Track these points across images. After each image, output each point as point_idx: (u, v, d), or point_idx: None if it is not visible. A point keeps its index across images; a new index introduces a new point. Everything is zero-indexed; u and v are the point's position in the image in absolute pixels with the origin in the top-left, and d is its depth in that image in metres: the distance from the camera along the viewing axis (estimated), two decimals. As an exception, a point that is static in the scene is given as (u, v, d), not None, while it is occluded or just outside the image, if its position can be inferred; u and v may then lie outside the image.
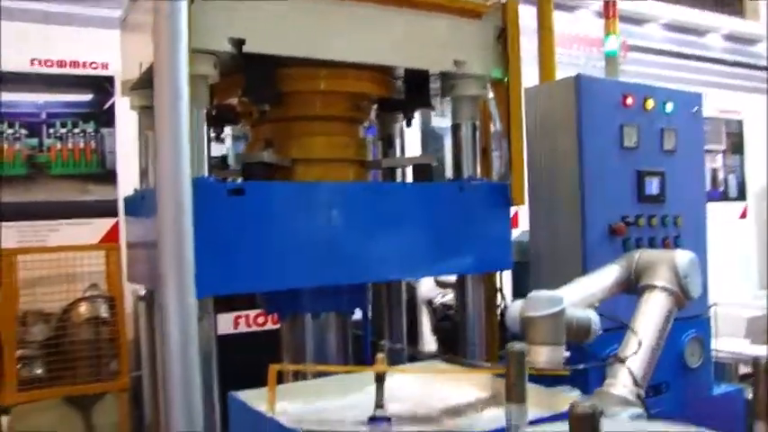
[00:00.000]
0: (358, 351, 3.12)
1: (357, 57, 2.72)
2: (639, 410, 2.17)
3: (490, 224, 2.97)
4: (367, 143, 3.17)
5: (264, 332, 4.49)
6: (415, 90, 3.12)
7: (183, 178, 1.93)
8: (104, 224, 5.08)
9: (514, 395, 1.58)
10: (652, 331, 2.36)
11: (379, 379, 2.15)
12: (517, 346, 1.61)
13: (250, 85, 2.66)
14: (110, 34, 4.61)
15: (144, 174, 3.31)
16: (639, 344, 2.30)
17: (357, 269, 2.68)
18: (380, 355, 2.15)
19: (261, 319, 4.54)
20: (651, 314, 2.41)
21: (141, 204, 2.90)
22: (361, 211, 2.68)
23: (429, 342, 4.64)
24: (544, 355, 2.14)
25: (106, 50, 4.89)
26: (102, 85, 5.15)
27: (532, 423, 1.66)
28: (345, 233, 2.63)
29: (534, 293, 2.25)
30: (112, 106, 5.15)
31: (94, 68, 5.13)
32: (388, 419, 2.12)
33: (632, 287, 2.57)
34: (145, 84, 2.85)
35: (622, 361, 2.26)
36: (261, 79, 2.66)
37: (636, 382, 2.22)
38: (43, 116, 4.99)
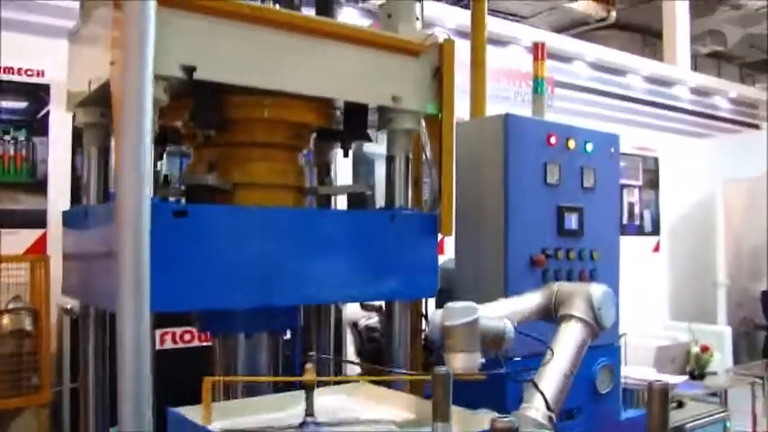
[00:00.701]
0: (287, 371, 3.21)
1: (302, 89, 2.83)
2: (550, 432, 2.34)
3: (418, 253, 3.10)
4: (305, 170, 3.28)
5: (189, 349, 4.55)
6: (353, 122, 3.24)
7: (143, 200, 2.02)
8: (30, 235, 4.99)
9: (440, 414, 1.73)
10: (566, 358, 2.53)
11: (308, 388, 2.27)
12: (442, 369, 1.75)
13: (197, 111, 2.75)
14: (48, 42, 4.63)
15: (85, 188, 3.31)
16: (554, 370, 2.48)
17: (293, 291, 2.78)
18: (309, 365, 2.27)
19: (187, 336, 4.58)
20: (567, 342, 2.58)
21: (84, 219, 2.94)
22: (298, 236, 2.78)
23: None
24: (460, 362, 2.30)
25: (43, 58, 4.89)
26: (37, 94, 5.09)
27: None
28: (283, 257, 2.73)
29: (451, 304, 2.40)
30: (46, 115, 5.11)
31: (30, 76, 5.06)
32: (318, 424, 2.23)
33: (552, 316, 2.75)
34: (93, 101, 2.91)
35: (537, 386, 2.43)
36: (208, 106, 2.74)
37: (548, 406, 2.39)
38: (-27, 122, 4.92)
